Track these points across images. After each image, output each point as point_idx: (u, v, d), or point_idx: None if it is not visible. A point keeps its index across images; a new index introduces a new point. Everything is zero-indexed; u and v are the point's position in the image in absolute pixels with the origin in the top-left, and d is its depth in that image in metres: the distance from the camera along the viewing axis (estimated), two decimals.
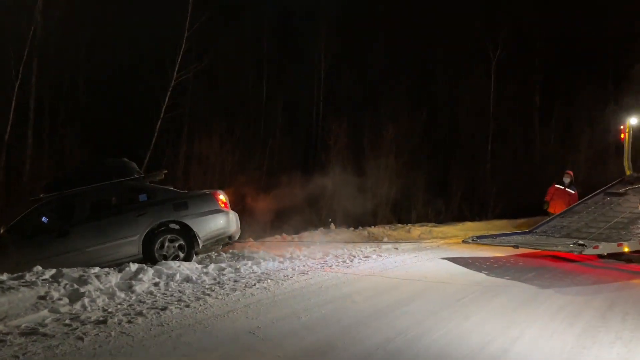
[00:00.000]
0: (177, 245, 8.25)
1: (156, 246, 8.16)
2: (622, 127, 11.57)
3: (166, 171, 10.00)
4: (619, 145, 13.17)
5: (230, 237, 8.84)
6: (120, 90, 16.76)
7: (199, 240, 8.30)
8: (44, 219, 8.29)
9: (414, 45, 22.32)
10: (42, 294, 5.99)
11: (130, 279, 6.88)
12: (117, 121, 16.50)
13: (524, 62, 21.99)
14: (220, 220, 8.46)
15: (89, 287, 6.28)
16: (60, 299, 5.88)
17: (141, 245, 8.13)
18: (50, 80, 15.71)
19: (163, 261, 7.82)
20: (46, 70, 15.17)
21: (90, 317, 5.35)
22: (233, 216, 8.71)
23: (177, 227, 8.31)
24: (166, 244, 8.23)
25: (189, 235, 8.28)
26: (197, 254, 8.65)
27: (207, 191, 8.87)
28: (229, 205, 8.77)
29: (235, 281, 7.12)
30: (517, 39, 21.36)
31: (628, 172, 11.26)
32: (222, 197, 8.67)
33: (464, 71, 21.53)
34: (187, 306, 5.83)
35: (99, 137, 15.73)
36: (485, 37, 21.08)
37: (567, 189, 11.39)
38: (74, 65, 16.71)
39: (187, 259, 8.19)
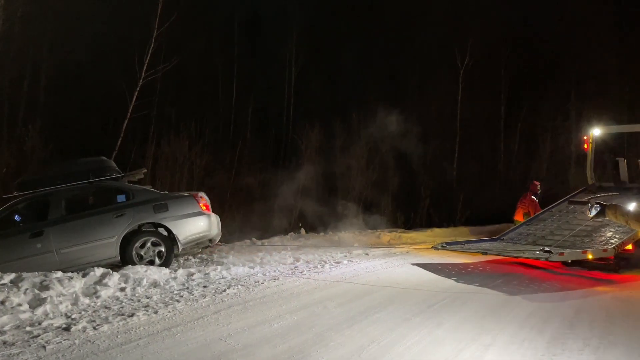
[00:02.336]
0: (157, 250, 8.02)
1: (137, 244, 7.90)
2: (585, 137, 11.91)
3: (145, 170, 9.73)
4: (581, 155, 13.59)
5: (211, 240, 8.66)
6: (85, 89, 16.29)
7: (179, 244, 8.10)
8: (16, 217, 7.95)
9: (383, 51, 22.57)
10: (1, 299, 5.74)
11: (95, 283, 6.67)
12: (81, 120, 16.02)
13: (491, 72, 22.45)
14: (201, 222, 8.27)
15: (51, 293, 6.05)
16: (20, 305, 5.64)
17: (119, 247, 7.88)
18: (10, 76, 15.14)
19: (129, 265, 7.60)
20: (6, 65, 14.61)
21: (52, 324, 5.14)
22: (214, 219, 8.53)
23: (164, 232, 8.06)
24: (147, 245, 7.98)
25: (168, 239, 8.07)
26: (176, 256, 8.43)
27: (187, 193, 8.66)
28: (210, 207, 8.57)
29: (204, 287, 6.98)
30: (485, 50, 21.79)
31: (590, 182, 11.59)
32: (203, 199, 8.48)
33: (433, 78, 21.82)
34: (155, 312, 5.67)
35: (62, 136, 15.21)
36: (454, 46, 21.42)
37: (535, 199, 11.64)
38: (36, 61, 16.17)
39: (166, 264, 7.95)
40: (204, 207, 8.37)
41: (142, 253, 7.97)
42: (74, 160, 9.04)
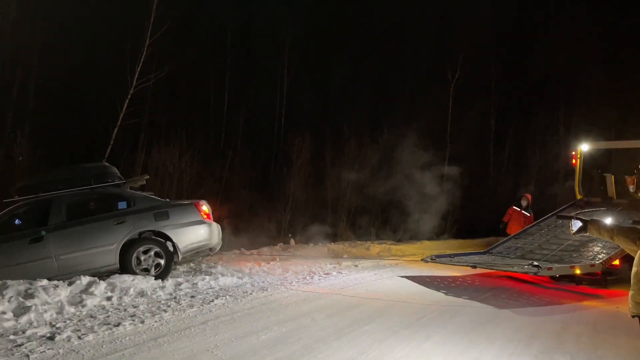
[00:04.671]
0: (156, 262, 7.86)
1: (140, 249, 7.78)
2: (573, 153, 12.05)
3: (148, 177, 9.61)
4: (569, 169, 13.72)
5: (211, 249, 8.57)
6: (75, 96, 16.19)
7: (179, 252, 7.98)
8: (17, 222, 7.82)
9: (375, 64, 22.72)
10: None
11: (81, 292, 6.59)
12: (71, 127, 15.90)
13: (481, 87, 22.66)
14: (201, 231, 8.15)
15: (36, 301, 5.96)
16: (4, 313, 5.55)
17: (118, 254, 7.75)
18: (0, 81, 15.04)
19: (117, 274, 7.50)
20: None
21: (36, 333, 5.06)
22: (215, 228, 8.42)
23: (171, 247, 7.92)
24: (150, 253, 7.83)
25: (170, 254, 7.93)
26: (175, 263, 8.34)
27: (188, 201, 8.55)
28: (211, 216, 8.46)
29: (192, 297, 6.92)
30: (475, 64, 21.99)
31: (578, 197, 11.69)
32: (204, 207, 8.36)
33: (424, 92, 21.96)
34: (142, 322, 5.61)
35: (52, 143, 15.09)
36: (445, 60, 21.60)
37: (523, 212, 11.75)
38: (25, 67, 16.07)
39: (161, 277, 7.77)
40: (205, 216, 8.25)
41: (142, 259, 7.82)
42: (76, 166, 8.92)
